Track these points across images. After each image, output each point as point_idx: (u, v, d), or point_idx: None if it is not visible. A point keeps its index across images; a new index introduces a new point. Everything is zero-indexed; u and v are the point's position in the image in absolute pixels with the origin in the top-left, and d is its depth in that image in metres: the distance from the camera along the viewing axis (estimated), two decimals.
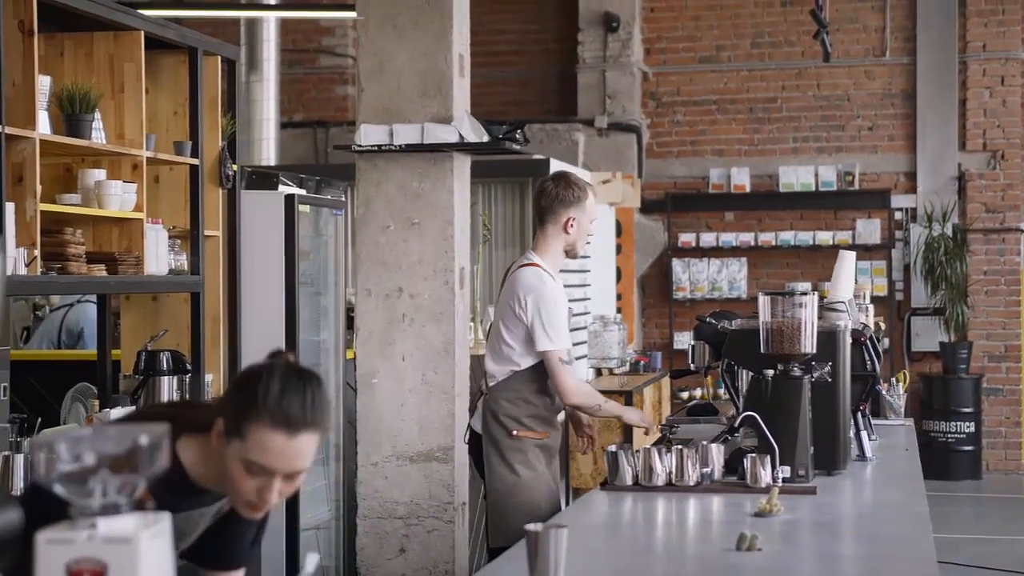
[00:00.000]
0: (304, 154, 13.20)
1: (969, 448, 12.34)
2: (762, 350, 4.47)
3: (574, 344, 7.90)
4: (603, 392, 9.09)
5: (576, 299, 9.87)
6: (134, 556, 1.72)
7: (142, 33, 5.21)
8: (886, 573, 3.24)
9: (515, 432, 5.08)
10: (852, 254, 5.62)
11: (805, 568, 3.29)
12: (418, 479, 5.86)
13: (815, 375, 4.53)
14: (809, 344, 4.44)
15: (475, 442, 5.26)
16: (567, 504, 6.61)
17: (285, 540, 6.27)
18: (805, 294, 4.47)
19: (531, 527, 2.76)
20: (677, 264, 13.01)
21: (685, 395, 12.19)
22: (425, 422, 5.82)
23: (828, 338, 4.60)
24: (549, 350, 5.02)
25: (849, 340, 4.76)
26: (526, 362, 5.08)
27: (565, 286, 5.51)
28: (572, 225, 5.14)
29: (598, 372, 10.42)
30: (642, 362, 10.83)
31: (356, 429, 5.89)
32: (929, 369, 12.73)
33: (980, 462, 12.46)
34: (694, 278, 12.98)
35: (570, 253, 5.24)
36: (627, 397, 9.25)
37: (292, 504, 6.30)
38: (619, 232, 12.34)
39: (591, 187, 5.30)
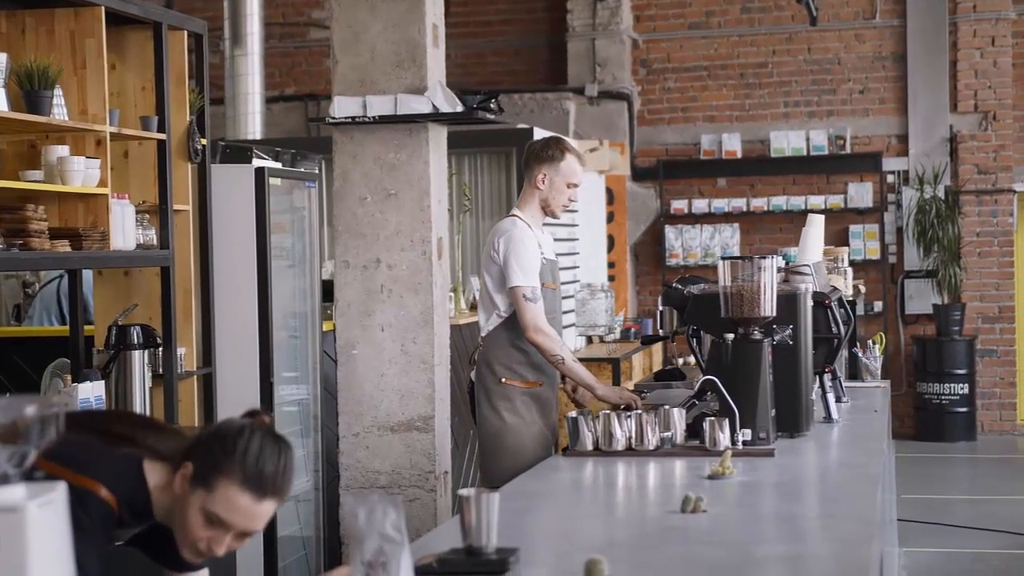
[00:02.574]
0: (296, 127, 13.21)
1: (963, 410, 12.36)
2: (722, 314, 4.49)
3: (563, 312, 7.99)
4: (591, 360, 9.21)
5: (564, 267, 9.89)
6: (22, 526, 1.73)
7: (102, 9, 5.21)
8: (822, 531, 3.26)
9: (503, 379, 5.27)
10: (820, 218, 5.62)
11: (743, 528, 3.30)
12: (399, 449, 5.88)
13: (776, 338, 4.55)
14: (769, 307, 4.46)
15: (470, 389, 5.48)
16: None
17: None
18: (764, 258, 4.48)
19: (463, 492, 2.79)
20: (670, 231, 13.01)
21: (680, 361, 12.19)
22: (405, 392, 5.84)
23: (789, 301, 4.61)
24: (514, 285, 5.18)
25: (811, 303, 4.77)
26: (505, 305, 5.26)
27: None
28: (544, 181, 5.35)
29: (588, 340, 10.44)
30: (633, 329, 10.85)
31: (336, 400, 5.91)
32: (923, 331, 12.73)
33: (975, 423, 12.48)
34: (687, 245, 12.98)
35: (546, 211, 5.40)
36: (615, 364, 9.28)
37: None
38: (611, 200, 12.35)
39: (576, 154, 5.44)
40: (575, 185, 5.41)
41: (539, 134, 10.07)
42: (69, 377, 5.48)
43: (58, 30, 5.18)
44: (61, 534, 1.81)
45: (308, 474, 6.94)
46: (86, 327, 5.81)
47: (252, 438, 2.64)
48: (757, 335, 4.47)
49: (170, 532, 2.84)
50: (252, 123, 10.97)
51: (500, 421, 5.26)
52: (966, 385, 12.35)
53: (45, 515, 1.77)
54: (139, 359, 5.47)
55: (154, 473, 2.72)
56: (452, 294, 8.04)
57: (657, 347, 11.23)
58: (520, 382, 5.30)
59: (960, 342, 12.38)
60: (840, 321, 5.09)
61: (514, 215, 5.38)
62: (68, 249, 4.98)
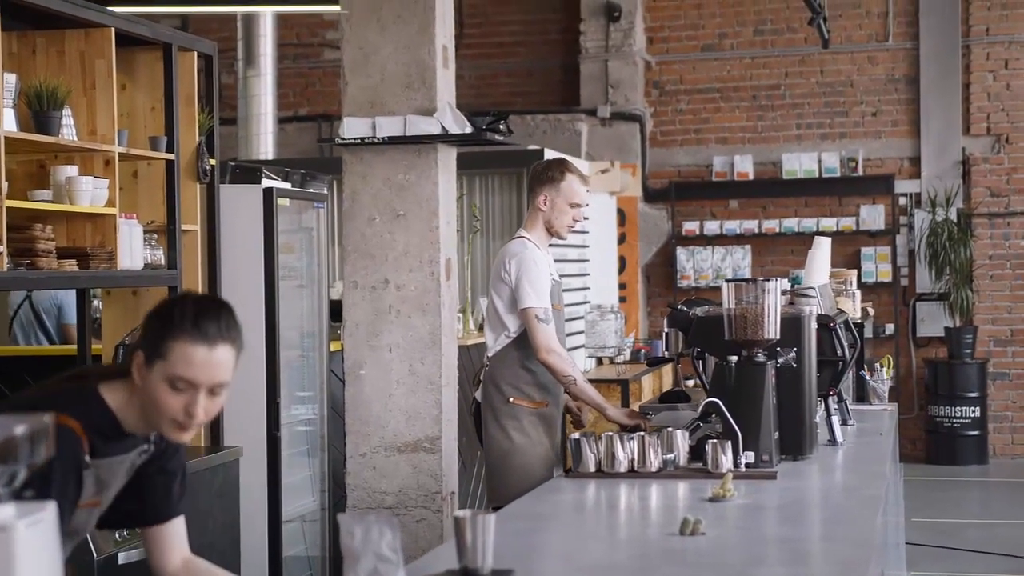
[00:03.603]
0: (309, 147, 13.25)
1: (975, 433, 12.31)
2: (726, 336, 4.49)
3: (570, 333, 8.01)
4: (600, 381, 9.20)
5: (574, 288, 9.90)
6: (10, 545, 1.75)
7: (112, 30, 5.25)
8: (820, 554, 3.26)
9: (511, 399, 5.31)
10: (827, 240, 5.63)
11: (741, 551, 3.30)
12: (406, 469, 5.88)
13: (780, 361, 4.55)
14: (772, 330, 4.46)
15: (478, 412, 5.48)
16: None
17: (268, 530, 6.31)
18: (768, 280, 4.49)
19: (459, 513, 2.79)
20: (681, 252, 13.01)
21: (691, 383, 12.16)
22: (413, 412, 5.85)
23: (792, 324, 4.61)
24: (526, 307, 5.22)
25: (815, 326, 4.77)
26: (515, 326, 5.31)
27: (563, 275, 5.92)
28: (546, 203, 5.40)
29: (598, 361, 10.44)
30: (644, 351, 10.84)
31: (344, 420, 5.93)
32: (935, 354, 12.70)
33: (986, 447, 12.43)
34: (698, 266, 12.98)
35: (551, 231, 5.45)
36: (624, 385, 9.28)
37: (274, 495, 6.35)
38: (623, 221, 12.36)
39: (579, 175, 5.47)
40: (578, 205, 5.45)
41: (550, 155, 10.08)
42: None
43: (68, 51, 5.23)
44: (50, 553, 1.82)
45: (314, 494, 6.95)
46: (93, 346, 5.84)
47: (185, 302, 2.78)
48: (761, 357, 4.47)
49: (136, 492, 2.92)
50: (264, 143, 11.02)
51: (508, 441, 5.30)
52: (978, 408, 12.31)
53: (34, 534, 1.78)
54: None
55: (112, 393, 2.82)
56: (461, 315, 8.05)
57: (668, 368, 11.21)
58: (527, 402, 5.33)
59: (972, 365, 12.34)
60: (845, 344, 5.09)
61: (523, 237, 5.43)
62: (76, 268, 5.01)
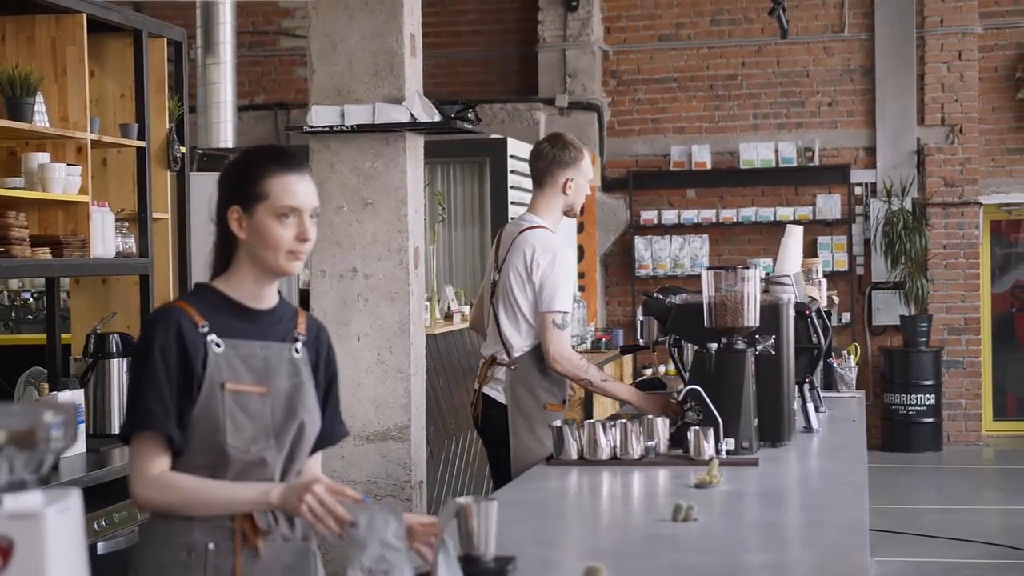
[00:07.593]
0: (265, 136, 13.18)
1: (930, 420, 12.45)
2: (706, 324, 4.51)
3: None
4: None
5: None
6: (41, 531, 1.73)
7: (84, 16, 5.20)
8: (813, 539, 3.28)
9: (546, 405, 5.04)
10: (799, 228, 5.66)
11: (736, 536, 3.32)
12: (375, 458, 5.88)
13: (759, 348, 4.57)
14: (752, 318, 4.48)
15: (488, 409, 5.13)
16: None
17: None
18: (747, 268, 4.51)
19: (462, 500, 2.79)
20: (639, 242, 13.05)
21: (649, 372, 12.21)
22: (381, 401, 5.84)
23: (771, 311, 4.64)
24: (546, 310, 4.93)
25: (793, 313, 4.80)
26: None
27: None
28: (570, 186, 5.09)
29: None
30: (604, 340, 10.88)
31: None
32: (890, 342, 12.82)
33: (941, 434, 12.58)
34: (656, 255, 13.03)
35: (569, 213, 5.19)
36: None
37: None
38: (581, 210, 12.37)
39: (586, 148, 5.29)
40: (592, 180, 5.22)
41: (514, 144, 10.09)
42: (46, 386, 5.44)
43: (39, 37, 5.17)
44: (78, 540, 1.81)
45: None
46: (63, 335, 5.78)
47: (258, 151, 2.95)
48: (740, 345, 4.49)
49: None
50: (224, 131, 10.93)
51: (542, 448, 4.90)
52: (932, 396, 12.44)
53: (62, 521, 1.76)
54: (118, 368, 5.43)
55: (222, 282, 2.95)
56: (427, 304, 8.04)
57: (628, 358, 11.25)
58: (559, 405, 5.09)
59: (927, 353, 12.48)
60: (820, 331, 5.13)
61: (543, 226, 5.08)
62: (49, 257, 4.95)
